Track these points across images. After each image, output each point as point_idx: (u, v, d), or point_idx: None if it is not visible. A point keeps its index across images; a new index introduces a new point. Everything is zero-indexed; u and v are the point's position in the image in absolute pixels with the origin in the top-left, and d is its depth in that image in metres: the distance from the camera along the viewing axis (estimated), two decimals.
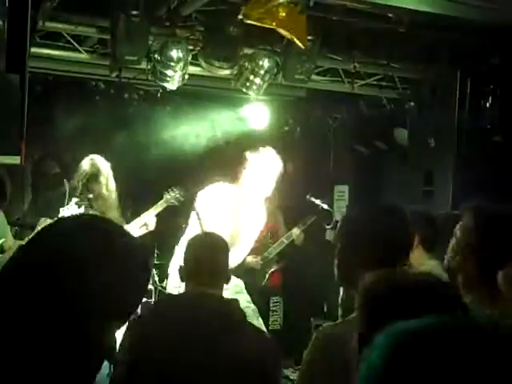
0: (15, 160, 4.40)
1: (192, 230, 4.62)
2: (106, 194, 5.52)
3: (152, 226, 5.44)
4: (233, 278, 4.98)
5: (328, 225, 6.56)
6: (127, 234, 1.24)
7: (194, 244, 2.89)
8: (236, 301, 2.68)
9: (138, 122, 7.44)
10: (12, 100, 4.31)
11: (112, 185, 5.53)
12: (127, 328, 2.55)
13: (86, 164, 5.54)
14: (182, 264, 2.81)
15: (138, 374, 2.43)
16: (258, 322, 4.93)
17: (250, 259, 5.81)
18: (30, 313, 1.05)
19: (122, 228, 1.31)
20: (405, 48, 5.74)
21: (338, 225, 2.36)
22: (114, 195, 5.54)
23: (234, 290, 4.93)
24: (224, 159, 7.16)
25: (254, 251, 6.09)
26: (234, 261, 4.84)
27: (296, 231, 6.40)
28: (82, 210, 5.35)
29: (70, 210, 5.32)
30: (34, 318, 1.04)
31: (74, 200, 5.36)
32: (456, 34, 5.28)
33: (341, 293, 5.03)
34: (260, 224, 4.95)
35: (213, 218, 4.62)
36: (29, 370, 1.03)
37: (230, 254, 2.86)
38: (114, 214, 5.54)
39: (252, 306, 4.99)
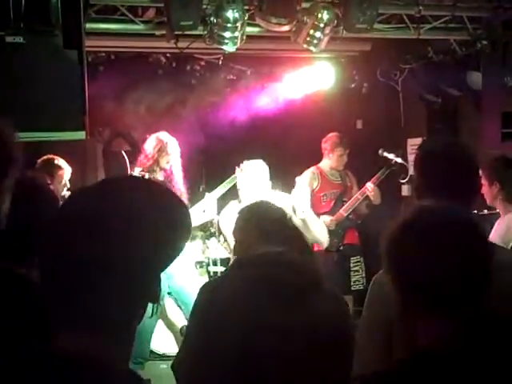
0: (81, 136, 4.40)
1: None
2: (174, 171, 5.48)
3: (211, 215, 5.36)
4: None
5: (403, 179, 6.33)
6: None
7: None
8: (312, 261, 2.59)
9: (202, 92, 7.38)
10: (71, 76, 4.31)
11: (179, 162, 5.49)
12: (207, 290, 2.52)
13: (153, 141, 5.47)
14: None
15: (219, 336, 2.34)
16: None
17: (324, 219, 5.66)
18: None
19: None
20: None
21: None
22: (180, 173, 5.51)
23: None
24: (295, 121, 7.08)
25: (328, 211, 5.99)
26: None
27: (369, 186, 6.10)
28: None
29: None
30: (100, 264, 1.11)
31: (138, 170, 5.30)
32: None
33: None
34: None
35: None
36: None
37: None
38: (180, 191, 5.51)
39: None
